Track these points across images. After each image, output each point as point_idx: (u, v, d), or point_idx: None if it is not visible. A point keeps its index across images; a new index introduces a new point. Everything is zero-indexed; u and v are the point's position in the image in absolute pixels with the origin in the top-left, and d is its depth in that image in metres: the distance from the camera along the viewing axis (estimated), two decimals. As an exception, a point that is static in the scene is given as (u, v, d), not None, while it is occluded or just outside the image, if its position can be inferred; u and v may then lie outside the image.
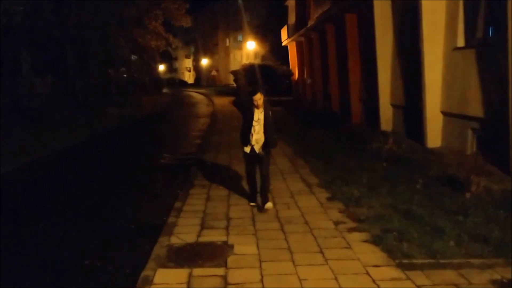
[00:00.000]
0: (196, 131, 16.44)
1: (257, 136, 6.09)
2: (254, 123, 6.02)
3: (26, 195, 7.92)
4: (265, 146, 6.12)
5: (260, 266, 4.40)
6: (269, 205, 6.11)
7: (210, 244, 5.00)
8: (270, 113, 6.07)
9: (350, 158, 9.37)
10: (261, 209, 6.13)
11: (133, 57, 34.58)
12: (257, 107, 5.96)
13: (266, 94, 6.05)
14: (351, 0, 15.79)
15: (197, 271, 4.32)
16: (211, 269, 4.37)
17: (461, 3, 9.63)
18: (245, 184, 7.53)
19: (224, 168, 9.06)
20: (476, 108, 8.87)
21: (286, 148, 10.71)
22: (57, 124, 16.83)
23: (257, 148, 6.14)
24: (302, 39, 27.78)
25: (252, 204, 6.41)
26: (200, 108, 28.78)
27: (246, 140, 6.14)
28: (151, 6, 30.47)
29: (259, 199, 6.34)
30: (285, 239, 5.11)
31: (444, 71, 10.12)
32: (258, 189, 6.36)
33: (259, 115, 6.02)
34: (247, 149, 6.16)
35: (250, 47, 45.09)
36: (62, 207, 7.12)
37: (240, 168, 8.75)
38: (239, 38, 62.07)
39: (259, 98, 5.91)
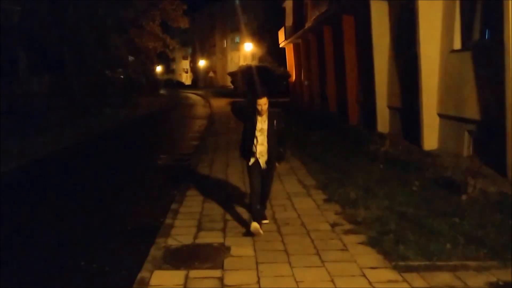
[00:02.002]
0: (193, 133, 16.42)
1: (262, 148, 5.26)
2: (257, 133, 5.22)
3: (22, 196, 7.89)
4: (269, 159, 5.33)
5: (257, 268, 4.39)
6: (265, 221, 5.58)
7: (207, 246, 4.99)
8: (275, 121, 5.25)
9: (347, 159, 9.38)
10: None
11: (130, 58, 34.62)
12: (260, 114, 5.17)
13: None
14: (348, 2, 15.84)
15: (193, 273, 4.31)
16: (208, 271, 4.36)
17: (457, 6, 9.67)
18: (242, 185, 7.55)
19: (221, 170, 9.05)
20: (472, 111, 8.90)
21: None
22: (53, 124, 16.80)
23: (262, 161, 5.31)
24: (300, 40, 27.82)
25: (255, 227, 5.23)
26: (197, 110, 28.77)
27: (248, 153, 5.33)
28: (149, 7, 30.49)
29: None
30: (282, 241, 5.11)
31: (441, 74, 10.15)
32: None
33: (262, 124, 5.21)
34: (250, 162, 5.34)
35: (248, 49, 45.23)
36: (58, 208, 7.08)
37: (237, 169, 8.75)
38: (237, 39, 62.13)
39: (264, 102, 5.11)
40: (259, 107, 5.12)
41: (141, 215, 6.60)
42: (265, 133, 5.20)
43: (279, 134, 5.34)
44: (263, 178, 5.40)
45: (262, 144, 5.24)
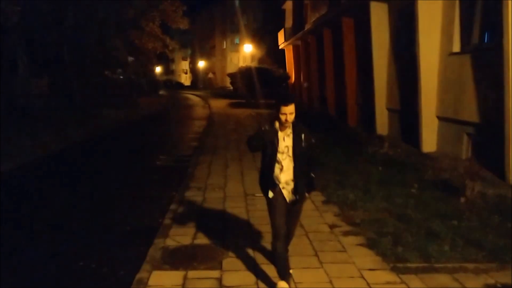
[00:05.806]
0: (192, 134, 16.41)
1: (286, 175, 3.86)
2: (279, 156, 3.81)
3: (22, 196, 7.88)
4: (296, 189, 3.90)
5: (255, 269, 4.39)
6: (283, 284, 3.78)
7: (206, 247, 4.99)
8: (303, 136, 3.85)
9: (346, 161, 9.38)
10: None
11: (130, 58, 34.59)
12: (282, 127, 3.76)
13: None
14: (347, 4, 15.88)
15: (192, 274, 4.31)
16: (206, 271, 4.36)
17: (457, 8, 9.69)
18: (240, 186, 7.55)
19: (220, 170, 9.05)
20: (471, 113, 8.92)
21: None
22: (53, 125, 16.77)
23: (287, 193, 3.89)
24: (299, 42, 27.86)
25: (283, 286, 3.78)
26: (197, 111, 28.76)
27: (269, 183, 3.91)
28: (148, 8, 30.50)
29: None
30: (281, 242, 5.10)
31: (440, 76, 10.17)
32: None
33: (285, 141, 3.81)
34: (271, 194, 3.91)
35: (247, 50, 45.27)
36: (57, 208, 7.08)
37: (236, 170, 8.75)
38: (236, 40, 62.24)
39: (290, 111, 3.67)
40: (283, 117, 3.68)
41: (140, 215, 6.59)
42: (290, 152, 3.82)
43: (309, 153, 4.02)
44: (287, 215, 3.96)
45: (288, 169, 3.85)
